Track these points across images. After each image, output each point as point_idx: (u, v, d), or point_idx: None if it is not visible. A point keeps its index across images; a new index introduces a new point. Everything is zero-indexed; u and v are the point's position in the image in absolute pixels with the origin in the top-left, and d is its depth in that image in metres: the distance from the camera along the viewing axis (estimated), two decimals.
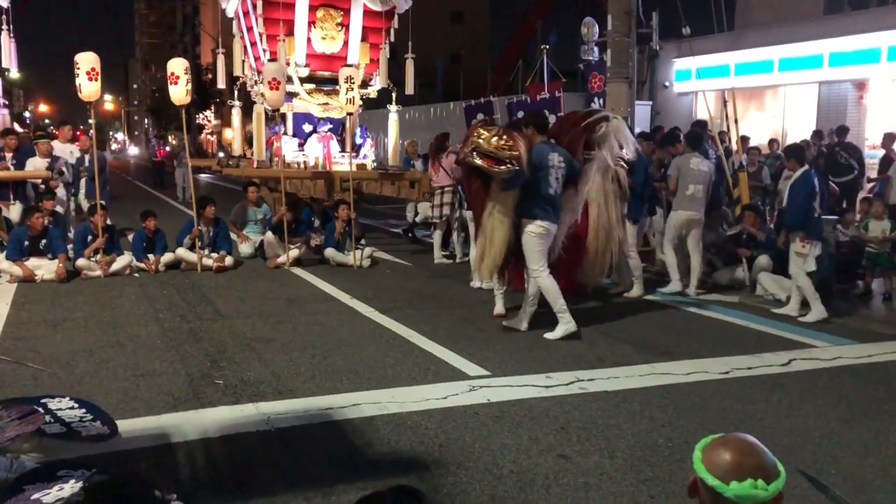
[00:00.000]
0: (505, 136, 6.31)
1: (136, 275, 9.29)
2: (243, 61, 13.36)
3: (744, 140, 10.44)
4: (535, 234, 6.51)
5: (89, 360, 5.76)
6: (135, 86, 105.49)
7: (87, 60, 8.86)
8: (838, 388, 5.35)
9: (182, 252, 9.71)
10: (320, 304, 7.93)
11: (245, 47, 13.18)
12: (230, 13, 13.18)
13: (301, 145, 12.25)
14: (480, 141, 6.31)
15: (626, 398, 5.03)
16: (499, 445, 4.21)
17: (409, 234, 13.13)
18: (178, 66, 9.65)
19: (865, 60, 16.35)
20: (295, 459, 4.02)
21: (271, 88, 10.03)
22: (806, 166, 7.47)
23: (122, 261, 9.31)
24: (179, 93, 9.59)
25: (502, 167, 6.27)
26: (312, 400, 4.92)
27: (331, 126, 12.54)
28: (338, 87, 11.97)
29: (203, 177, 30.47)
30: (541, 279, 6.59)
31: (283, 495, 3.59)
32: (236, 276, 9.40)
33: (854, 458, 4.14)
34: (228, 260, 9.89)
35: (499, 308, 7.32)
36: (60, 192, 10.39)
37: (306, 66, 12.20)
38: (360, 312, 7.52)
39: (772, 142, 13.67)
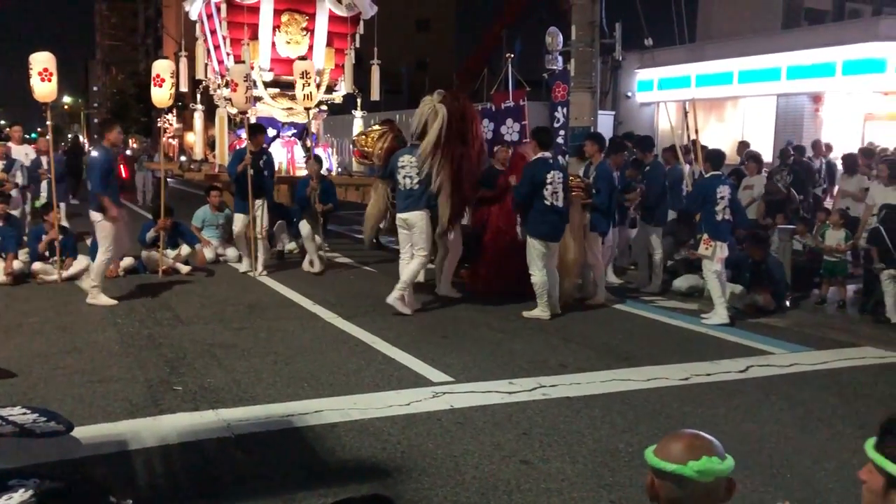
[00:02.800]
0: (378, 137, 8.17)
1: None
2: (206, 65, 13.25)
3: (705, 150, 10.58)
4: (397, 224, 7.71)
5: (44, 365, 5.63)
6: (95, 88, 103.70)
7: (40, 61, 8.61)
8: (794, 393, 5.45)
9: (147, 255, 9.55)
10: (282, 309, 7.86)
11: (208, 51, 13.07)
12: (193, 16, 13.07)
13: (265, 149, 12.16)
14: (361, 139, 8.66)
15: (587, 404, 5.06)
16: (461, 451, 4.21)
17: (374, 241, 13.08)
18: (164, 68, 9.39)
19: (821, 74, 16.75)
20: (255, 466, 3.97)
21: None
22: (717, 172, 7.76)
23: (79, 264, 9.12)
24: (163, 95, 9.30)
25: (364, 160, 8.72)
26: (273, 406, 4.87)
27: (294, 131, 12.49)
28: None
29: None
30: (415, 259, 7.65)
31: (243, 502, 3.54)
32: (197, 281, 9.27)
33: (809, 462, 4.22)
34: (208, 253, 10.34)
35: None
36: (14, 194, 10.18)
37: (270, 70, 12.13)
38: (322, 318, 7.47)
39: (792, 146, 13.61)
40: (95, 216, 7.76)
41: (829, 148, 13.01)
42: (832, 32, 17.53)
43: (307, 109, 11.67)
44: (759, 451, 4.33)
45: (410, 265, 7.67)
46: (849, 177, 10.19)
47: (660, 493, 1.75)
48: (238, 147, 10.43)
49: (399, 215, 7.65)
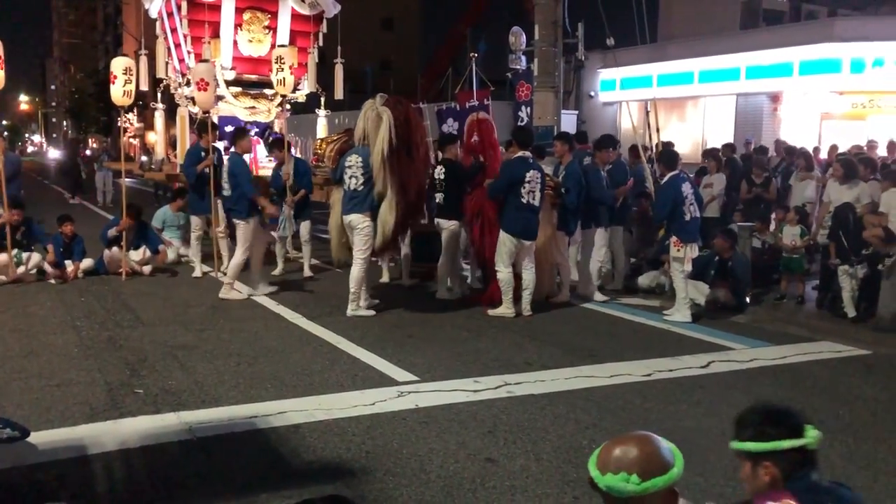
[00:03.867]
0: (332, 143, 8.17)
1: (52, 281, 8.94)
2: (167, 63, 13.05)
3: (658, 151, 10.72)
4: (344, 226, 7.60)
5: (0, 370, 5.51)
6: (52, 86, 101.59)
7: None
8: (754, 388, 5.54)
9: (115, 252, 9.36)
10: (245, 310, 7.78)
11: (169, 49, 12.87)
12: (153, 14, 12.85)
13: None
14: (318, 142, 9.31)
15: (551, 401, 5.09)
16: (426, 450, 4.21)
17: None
18: (118, 65, 9.42)
19: (779, 74, 17.07)
20: (218, 469, 3.94)
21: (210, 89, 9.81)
22: (676, 171, 7.82)
23: (33, 260, 8.99)
24: (116, 93, 9.36)
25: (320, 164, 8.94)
26: (236, 408, 4.83)
27: (257, 130, 12.35)
28: (265, 91, 11.81)
29: (126, 181, 29.58)
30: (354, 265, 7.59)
31: None
32: (158, 283, 9.15)
33: None
34: (170, 253, 10.20)
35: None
36: None
37: (232, 69, 11.99)
38: (286, 319, 7.42)
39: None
40: (238, 220, 8.21)
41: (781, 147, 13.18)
42: (789, 33, 17.87)
43: (283, 97, 11.54)
44: (721, 446, 4.37)
45: (352, 272, 7.58)
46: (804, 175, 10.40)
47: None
48: (190, 146, 10.26)
49: (345, 218, 7.54)
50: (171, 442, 4.28)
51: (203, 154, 9.34)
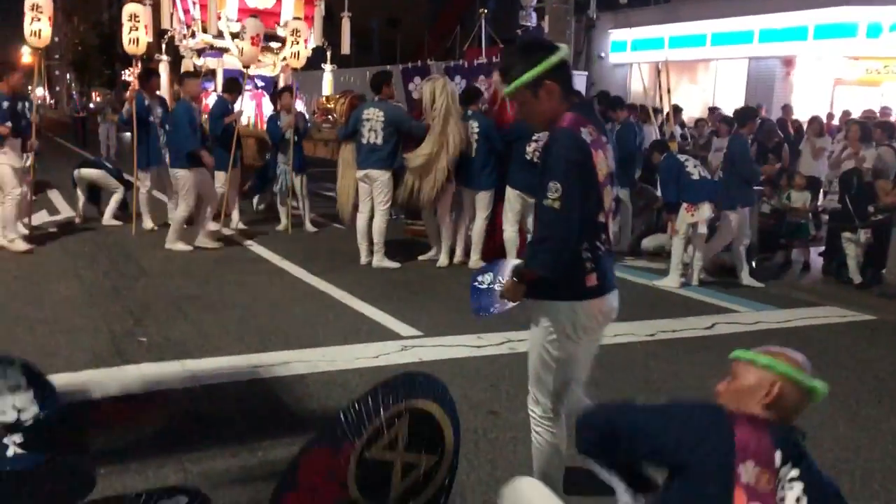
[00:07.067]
0: (341, 99, 8.75)
1: (54, 230, 8.92)
2: (172, 14, 12.89)
3: (676, 110, 10.60)
4: (358, 178, 7.62)
5: (4, 315, 5.52)
6: (56, 39, 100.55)
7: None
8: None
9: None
10: (250, 264, 7.77)
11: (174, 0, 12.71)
12: None
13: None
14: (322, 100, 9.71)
15: None
16: None
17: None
18: (125, 12, 9.34)
19: (793, 38, 16.79)
20: (221, 415, 3.95)
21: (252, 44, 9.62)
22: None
23: None
24: (124, 41, 9.36)
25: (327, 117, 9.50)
26: (241, 358, 4.83)
27: (263, 83, 12.24)
28: (270, 44, 11.67)
29: (128, 135, 29.46)
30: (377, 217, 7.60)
31: (209, 450, 3.52)
32: (161, 236, 9.08)
33: None
34: None
35: (362, 259, 7.82)
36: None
37: (238, 20, 11.83)
38: (291, 273, 7.40)
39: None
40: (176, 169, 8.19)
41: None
42: None
43: (294, 70, 11.40)
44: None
45: (376, 223, 7.61)
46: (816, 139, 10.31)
47: (773, 394, 1.88)
48: (217, 100, 10.03)
49: (361, 171, 7.53)
50: (175, 388, 4.29)
51: (230, 108, 9.20)
